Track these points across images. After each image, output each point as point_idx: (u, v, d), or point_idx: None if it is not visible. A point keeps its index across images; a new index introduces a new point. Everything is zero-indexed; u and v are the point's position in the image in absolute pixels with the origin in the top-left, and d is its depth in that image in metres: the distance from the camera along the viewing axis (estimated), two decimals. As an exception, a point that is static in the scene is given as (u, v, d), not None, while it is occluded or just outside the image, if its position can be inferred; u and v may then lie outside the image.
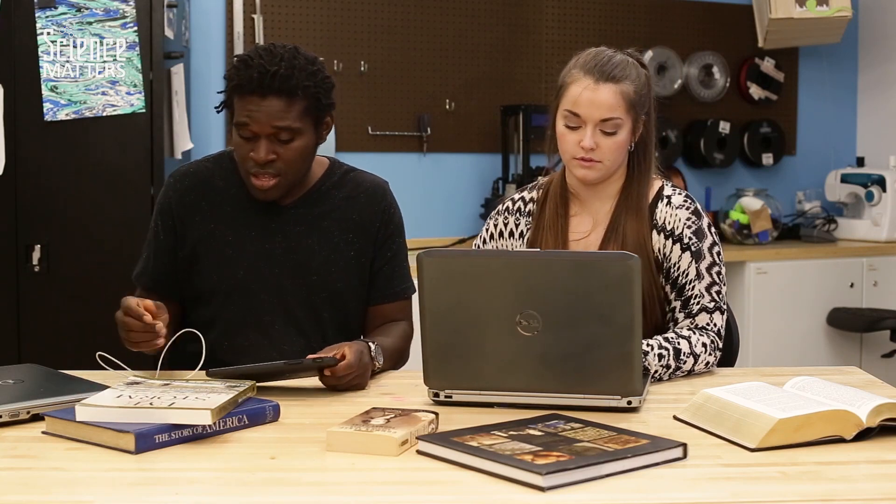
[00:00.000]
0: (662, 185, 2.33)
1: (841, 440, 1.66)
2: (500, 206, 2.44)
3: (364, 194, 2.34)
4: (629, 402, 1.84)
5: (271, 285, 2.27)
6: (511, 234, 2.39)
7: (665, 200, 2.30)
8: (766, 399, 1.73)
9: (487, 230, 2.43)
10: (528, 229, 2.37)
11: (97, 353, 2.01)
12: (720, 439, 1.69)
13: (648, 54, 4.75)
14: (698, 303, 2.23)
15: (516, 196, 2.43)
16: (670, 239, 2.26)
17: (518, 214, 2.39)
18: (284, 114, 2.15)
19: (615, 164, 2.28)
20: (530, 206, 2.39)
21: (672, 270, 2.26)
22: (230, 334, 2.25)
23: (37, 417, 1.76)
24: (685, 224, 2.26)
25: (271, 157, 2.17)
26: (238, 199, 2.29)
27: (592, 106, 2.23)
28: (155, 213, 2.33)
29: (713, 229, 2.30)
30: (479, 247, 2.45)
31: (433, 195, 4.60)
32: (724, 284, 2.27)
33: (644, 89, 2.28)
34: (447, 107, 4.60)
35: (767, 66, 5.06)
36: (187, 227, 2.28)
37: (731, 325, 2.45)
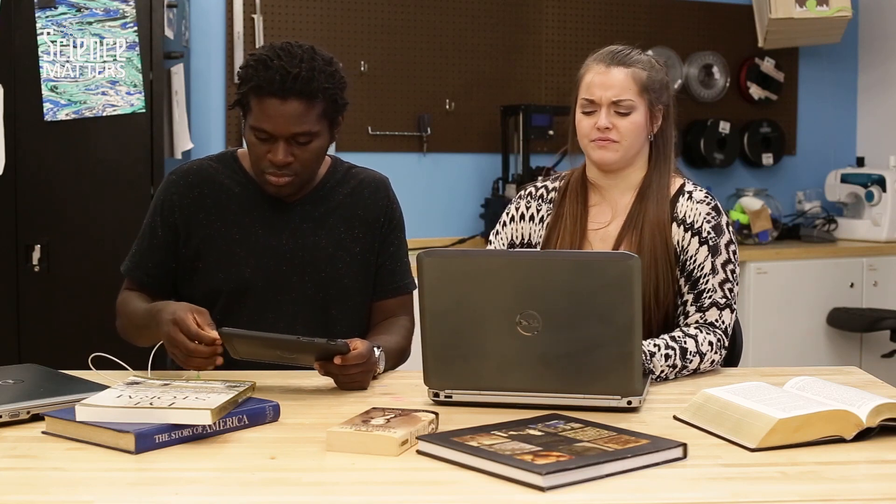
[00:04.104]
0: (684, 182, 2.36)
1: (841, 440, 1.66)
2: (522, 192, 2.47)
3: (367, 189, 2.35)
4: (629, 402, 1.84)
5: (279, 283, 2.26)
6: (532, 218, 2.41)
7: (686, 195, 2.33)
8: (766, 399, 1.73)
9: (508, 213, 2.45)
10: (549, 216, 2.39)
11: (91, 356, 2.00)
12: (720, 439, 1.69)
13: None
14: (710, 297, 2.24)
15: (539, 183, 2.46)
16: (689, 232, 2.29)
17: (540, 201, 2.42)
18: (304, 117, 2.13)
19: (632, 147, 2.31)
20: (553, 194, 2.42)
21: (688, 263, 2.28)
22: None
23: (37, 417, 1.76)
24: (705, 218, 2.29)
25: (289, 159, 2.16)
26: (243, 197, 2.28)
27: (603, 87, 2.29)
28: (153, 209, 2.30)
29: (731, 228, 2.33)
30: (502, 225, 2.45)
31: (433, 195, 4.60)
32: (737, 284, 2.29)
33: (658, 76, 2.34)
34: (447, 107, 4.60)
35: (767, 66, 5.06)
36: (191, 224, 2.26)
37: (735, 326, 2.45)
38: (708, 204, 2.31)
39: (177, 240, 2.27)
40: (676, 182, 2.36)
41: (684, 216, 2.30)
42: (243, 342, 1.97)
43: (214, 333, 1.95)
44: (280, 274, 2.26)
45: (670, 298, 2.28)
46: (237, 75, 2.22)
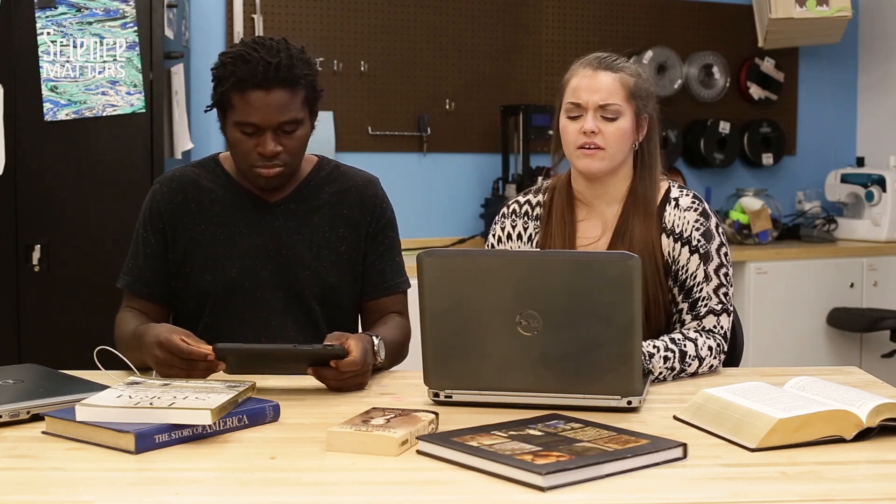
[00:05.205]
0: (669, 187, 2.33)
1: (841, 440, 1.66)
2: (504, 209, 2.44)
3: (354, 189, 2.33)
4: (629, 402, 1.84)
5: (264, 282, 2.26)
6: (519, 236, 2.39)
7: (673, 203, 2.30)
8: (766, 399, 1.73)
9: (495, 234, 2.42)
10: (535, 233, 2.37)
11: (97, 349, 2.00)
12: (720, 439, 1.69)
13: (648, 54, 4.74)
14: (706, 305, 2.23)
15: (521, 199, 2.43)
16: (679, 242, 2.26)
17: (526, 218, 2.39)
18: (289, 105, 2.16)
19: (618, 154, 2.28)
20: (537, 210, 2.39)
21: (680, 273, 2.25)
22: (227, 334, 2.24)
23: (37, 417, 1.76)
24: (693, 226, 2.26)
25: (278, 149, 2.17)
26: (226, 199, 2.28)
27: (590, 91, 2.26)
28: (142, 220, 2.30)
29: (721, 229, 2.31)
30: (490, 248, 2.43)
31: (433, 195, 4.60)
32: (731, 286, 2.27)
33: (645, 83, 2.31)
34: (447, 107, 4.60)
35: (767, 66, 5.06)
36: (177, 229, 2.27)
37: (735, 326, 2.45)
38: (695, 210, 2.29)
39: (166, 246, 2.27)
40: (662, 187, 2.33)
41: (672, 226, 2.28)
42: (238, 356, 1.96)
43: (206, 347, 1.95)
44: (265, 273, 2.26)
45: (661, 317, 2.26)
46: (212, 76, 2.21)
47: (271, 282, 2.26)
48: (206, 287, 2.26)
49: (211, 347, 1.95)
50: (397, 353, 2.26)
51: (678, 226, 2.27)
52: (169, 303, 2.32)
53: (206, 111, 2.27)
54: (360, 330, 2.38)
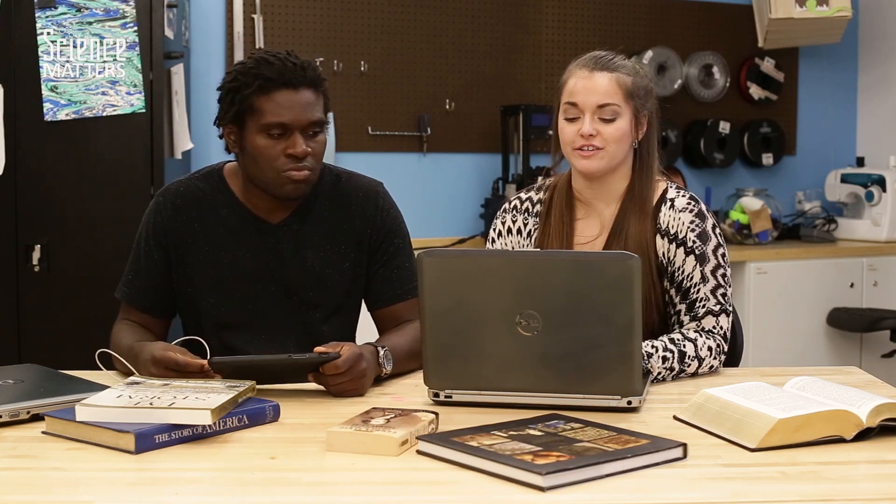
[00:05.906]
0: (667, 188, 2.32)
1: (841, 440, 1.66)
2: (506, 205, 2.44)
3: (355, 202, 2.28)
4: (629, 402, 1.84)
5: (267, 306, 2.24)
6: (519, 231, 2.39)
7: (668, 204, 2.29)
8: (766, 399, 1.73)
9: (495, 229, 2.43)
10: (535, 229, 2.37)
11: (98, 351, 2.00)
12: (720, 439, 1.69)
13: (648, 54, 4.75)
14: (704, 306, 2.22)
15: (523, 195, 2.43)
16: (674, 243, 2.26)
17: (526, 214, 2.39)
18: (316, 105, 2.15)
19: (618, 154, 2.27)
20: (538, 207, 2.39)
21: (676, 274, 2.25)
22: (231, 354, 2.18)
23: (37, 417, 1.76)
24: (689, 227, 2.26)
25: (308, 149, 2.14)
26: (230, 220, 2.24)
27: (587, 92, 2.24)
28: (143, 232, 2.27)
29: (718, 230, 2.29)
30: (490, 242, 2.44)
31: (433, 195, 4.60)
32: (730, 286, 2.26)
33: (643, 81, 2.30)
34: (447, 107, 4.60)
35: (767, 66, 5.06)
36: (180, 249, 2.24)
37: (735, 326, 2.45)
38: (691, 211, 2.27)
39: (168, 263, 2.25)
40: (659, 187, 2.32)
41: (667, 227, 2.27)
42: (234, 370, 1.94)
43: (201, 360, 1.94)
44: (268, 296, 2.24)
45: (654, 317, 2.26)
46: (227, 89, 2.16)
47: (275, 304, 2.24)
48: (210, 310, 2.24)
49: (206, 362, 1.94)
50: (412, 358, 2.16)
51: (672, 227, 2.27)
52: (167, 317, 2.31)
53: (215, 124, 2.20)
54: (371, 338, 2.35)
